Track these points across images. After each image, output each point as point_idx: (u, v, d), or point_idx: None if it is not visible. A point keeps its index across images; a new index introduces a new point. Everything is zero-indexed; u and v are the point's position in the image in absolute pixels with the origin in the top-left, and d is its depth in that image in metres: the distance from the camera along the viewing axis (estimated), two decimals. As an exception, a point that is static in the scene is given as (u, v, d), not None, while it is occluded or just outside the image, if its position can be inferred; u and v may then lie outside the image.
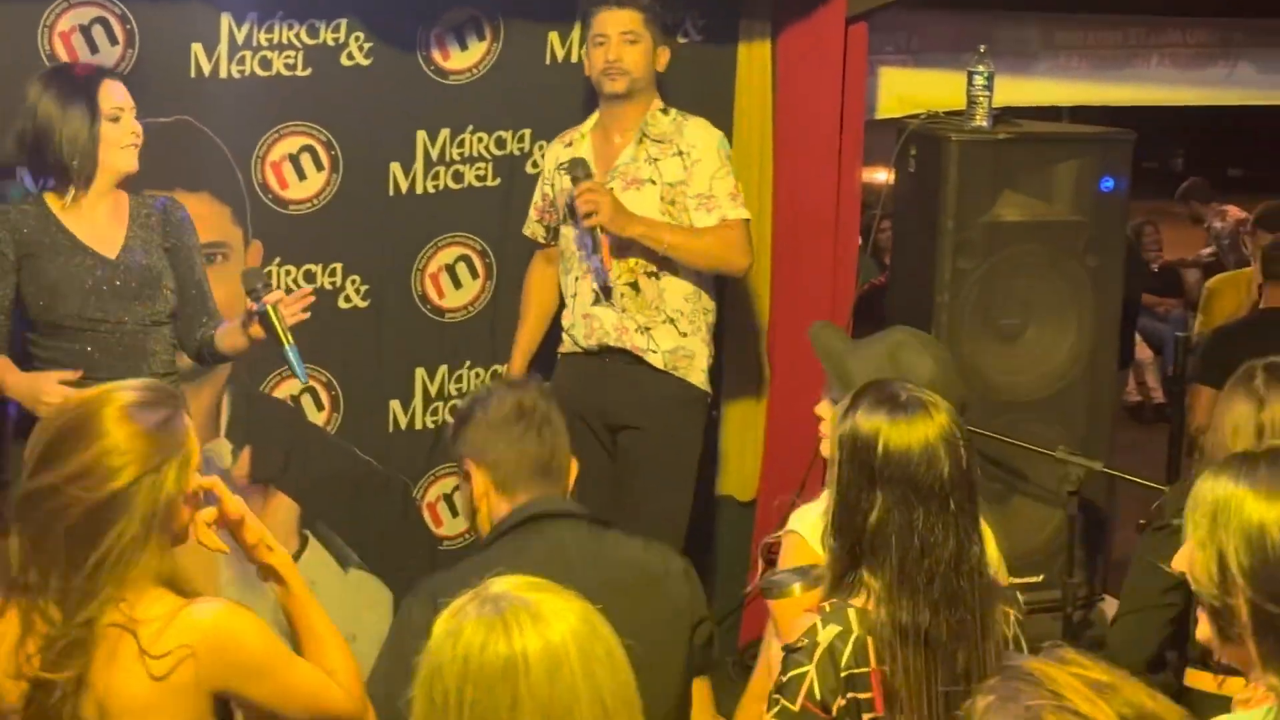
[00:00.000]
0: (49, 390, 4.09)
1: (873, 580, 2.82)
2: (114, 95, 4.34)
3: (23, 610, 2.62)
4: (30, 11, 4.76)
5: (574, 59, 5.37)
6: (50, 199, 4.33)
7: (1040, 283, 5.30)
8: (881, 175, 5.95)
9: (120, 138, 4.32)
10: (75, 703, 2.60)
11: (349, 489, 5.35)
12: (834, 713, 2.76)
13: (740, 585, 5.70)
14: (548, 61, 5.32)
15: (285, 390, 5.20)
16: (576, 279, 5.06)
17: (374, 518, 5.39)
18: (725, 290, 5.47)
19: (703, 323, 5.12)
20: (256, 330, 4.35)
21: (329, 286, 5.18)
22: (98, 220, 4.36)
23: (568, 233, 5.08)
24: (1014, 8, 5.99)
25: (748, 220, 5.10)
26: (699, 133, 5.03)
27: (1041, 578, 4.88)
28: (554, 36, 5.32)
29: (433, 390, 5.42)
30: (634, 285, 4.96)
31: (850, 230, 5.94)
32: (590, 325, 5.03)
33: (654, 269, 4.95)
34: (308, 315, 4.46)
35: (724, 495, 5.72)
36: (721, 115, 5.46)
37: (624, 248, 4.89)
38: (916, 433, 2.82)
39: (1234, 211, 12.33)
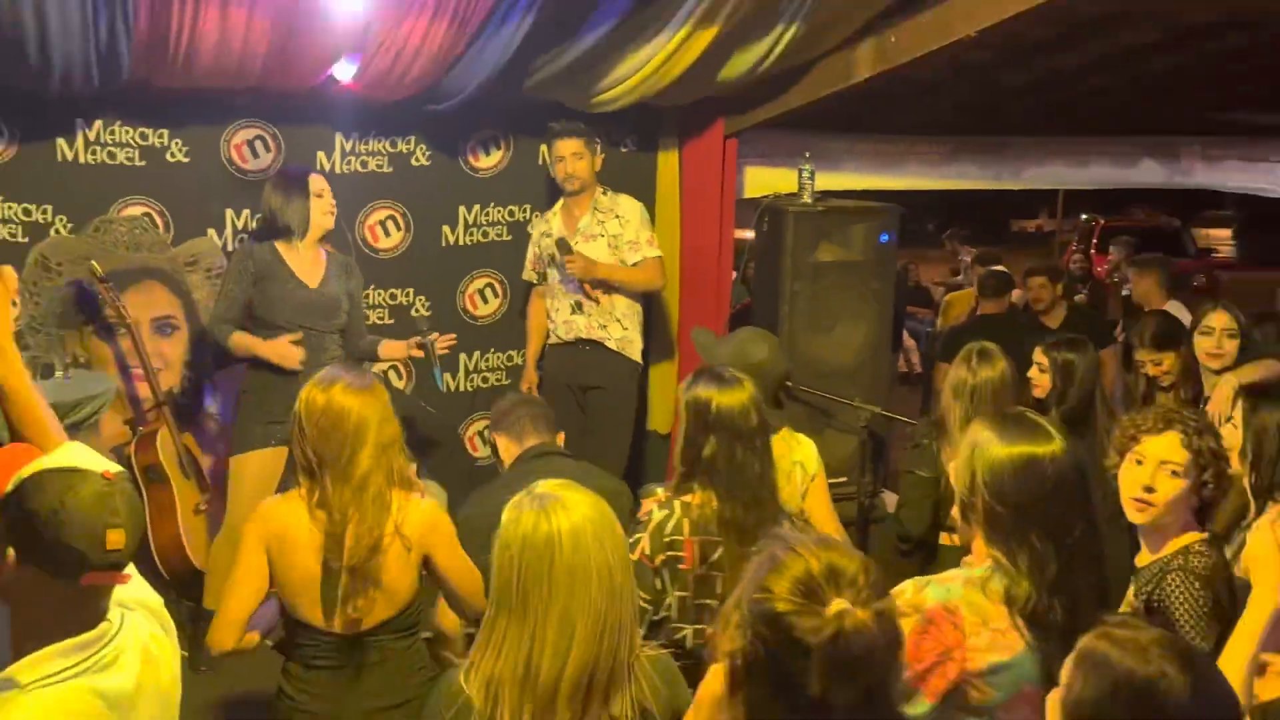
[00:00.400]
0: (288, 350, 4.35)
1: (702, 489, 2.84)
2: (317, 183, 4.52)
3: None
4: (216, 131, 4.91)
5: None
6: (279, 245, 4.46)
7: (844, 298, 5.36)
8: (748, 234, 5.95)
9: (323, 207, 4.50)
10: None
11: (420, 427, 5.30)
12: (656, 563, 2.81)
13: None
14: (540, 163, 5.46)
15: (378, 368, 5.17)
16: (558, 301, 5.16)
17: (435, 445, 5.41)
18: (653, 304, 5.54)
19: (637, 321, 5.23)
20: (416, 352, 4.64)
21: (404, 303, 5.36)
22: (306, 262, 4.50)
23: (553, 274, 5.16)
24: (827, 130, 6.04)
25: (660, 257, 5.18)
26: (628, 204, 5.16)
27: (846, 479, 4.82)
28: (544, 148, 5.42)
29: (470, 367, 5.55)
30: (594, 300, 5.07)
31: (727, 268, 6.08)
32: (569, 326, 5.15)
33: (609, 291, 5.10)
34: (448, 351, 4.78)
35: (651, 430, 5.77)
36: (649, 195, 5.62)
37: (593, 283, 5.02)
38: (736, 397, 2.87)
39: (969, 251, 12.57)
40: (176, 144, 4.91)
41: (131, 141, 4.85)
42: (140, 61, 4.33)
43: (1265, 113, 6.98)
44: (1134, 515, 2.75)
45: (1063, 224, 22.11)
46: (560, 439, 3.55)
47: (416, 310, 5.41)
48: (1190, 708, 1.60)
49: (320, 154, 5.16)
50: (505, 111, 5.28)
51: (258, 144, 5.06)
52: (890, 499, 5.25)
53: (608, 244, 5.13)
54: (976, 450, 2.33)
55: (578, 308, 5.12)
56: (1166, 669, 1.62)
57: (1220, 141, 7.04)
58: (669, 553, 2.80)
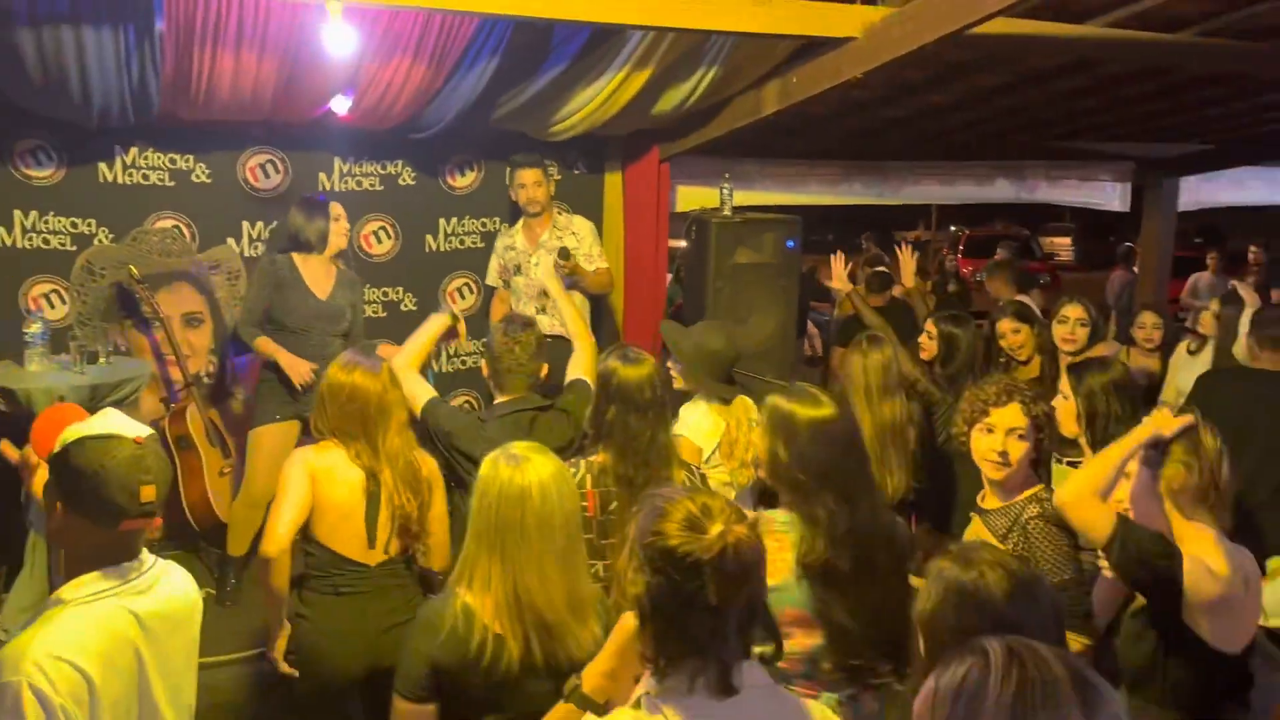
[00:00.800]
0: (303, 369, 4.27)
1: (604, 451, 2.77)
2: (336, 209, 4.48)
3: None
4: (234, 156, 4.89)
5: None
6: (297, 258, 4.40)
7: (758, 294, 5.35)
8: (680, 242, 5.93)
9: (339, 230, 4.44)
10: None
11: None
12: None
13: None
14: (506, 183, 5.25)
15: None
16: (523, 304, 4.97)
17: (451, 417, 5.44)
18: (601, 301, 5.48)
19: (588, 317, 5.11)
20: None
21: (395, 299, 5.33)
22: (319, 276, 4.42)
23: (518, 280, 5.00)
24: (743, 155, 6.04)
25: (609, 267, 5.14)
26: (582, 223, 5.03)
27: None
28: (508, 170, 5.20)
29: (450, 353, 5.52)
30: (543, 309, 4.86)
31: (663, 271, 6.07)
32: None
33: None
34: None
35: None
36: (598, 209, 5.60)
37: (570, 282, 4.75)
38: (636, 372, 2.78)
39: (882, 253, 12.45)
40: (200, 167, 4.88)
41: (162, 165, 4.82)
42: (167, 98, 4.31)
43: (1097, 141, 7.11)
44: (992, 474, 2.77)
45: (936, 234, 22.34)
46: (543, 372, 3.40)
47: (405, 305, 5.36)
48: (1008, 610, 1.60)
49: (322, 175, 5.11)
50: (478, 139, 5.25)
51: (269, 167, 5.03)
52: None
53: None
54: (776, 417, 2.33)
55: (541, 310, 4.96)
56: (987, 574, 1.64)
57: (1060, 164, 7.14)
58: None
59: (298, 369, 4.30)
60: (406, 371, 3.33)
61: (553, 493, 2.02)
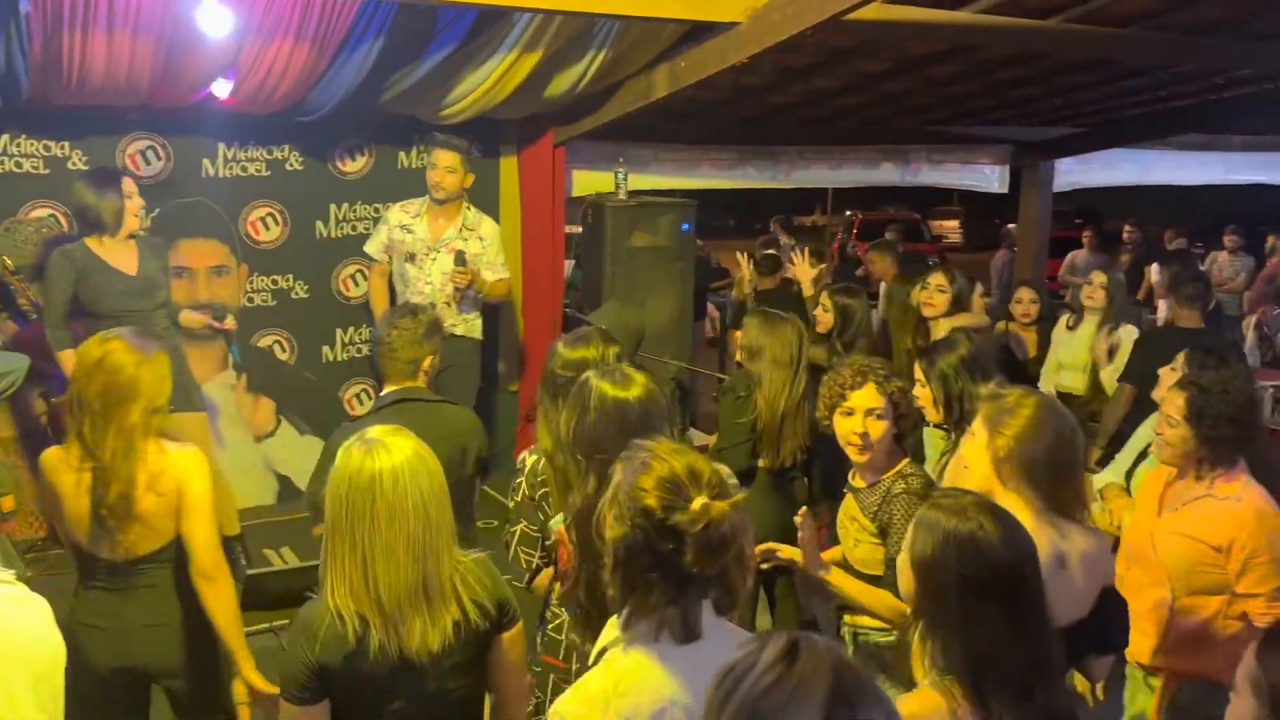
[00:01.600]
0: None
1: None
2: (129, 185, 4.16)
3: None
4: (112, 142, 4.70)
5: (413, 166, 5.25)
6: (90, 242, 4.08)
7: (654, 277, 5.43)
8: (577, 227, 5.94)
9: (133, 208, 4.12)
10: None
11: (302, 394, 5.24)
12: (536, 499, 2.70)
13: (513, 439, 5.66)
14: (399, 167, 5.29)
15: (265, 343, 5.16)
16: (411, 297, 4.72)
17: (316, 408, 5.26)
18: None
19: (477, 310, 4.84)
20: (214, 323, 4.50)
21: (285, 287, 5.16)
22: (120, 253, 4.13)
23: (411, 269, 4.75)
24: (637, 140, 6.03)
25: (509, 277, 4.92)
26: (489, 227, 4.81)
27: None
28: (402, 154, 5.29)
29: (345, 340, 5.35)
30: (448, 304, 4.69)
31: (560, 254, 5.89)
32: None
33: (461, 296, 4.73)
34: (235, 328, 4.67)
35: (503, 388, 5.63)
36: (494, 194, 5.45)
37: (443, 286, 4.67)
38: (585, 353, 2.74)
39: (789, 237, 12.63)
40: (77, 154, 4.68)
41: (36, 152, 4.62)
42: (37, 81, 4.11)
43: (976, 125, 7.29)
44: (856, 456, 2.79)
45: (832, 218, 22.77)
46: (426, 365, 3.28)
47: (296, 293, 5.21)
48: (1002, 550, 1.72)
49: (205, 160, 4.94)
50: (368, 123, 5.11)
51: (149, 153, 4.84)
52: (697, 435, 5.29)
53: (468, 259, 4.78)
54: (579, 390, 2.36)
55: (447, 303, 4.74)
56: (984, 522, 1.73)
57: (942, 148, 7.30)
58: (543, 489, 2.72)
59: None
60: None
61: (405, 477, 1.96)
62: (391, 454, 1.97)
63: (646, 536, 1.66)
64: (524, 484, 2.75)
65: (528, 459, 2.77)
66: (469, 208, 4.82)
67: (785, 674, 1.18)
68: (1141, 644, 2.71)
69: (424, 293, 4.71)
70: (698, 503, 1.65)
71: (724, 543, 1.65)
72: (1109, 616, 2.30)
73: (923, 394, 3.15)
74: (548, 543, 2.71)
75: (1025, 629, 1.71)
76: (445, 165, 4.65)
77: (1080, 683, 2.62)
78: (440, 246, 4.75)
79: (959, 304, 4.85)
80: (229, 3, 3.90)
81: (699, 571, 1.65)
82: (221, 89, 4.39)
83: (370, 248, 4.94)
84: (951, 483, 2.59)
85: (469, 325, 4.87)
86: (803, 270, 5.40)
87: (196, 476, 2.65)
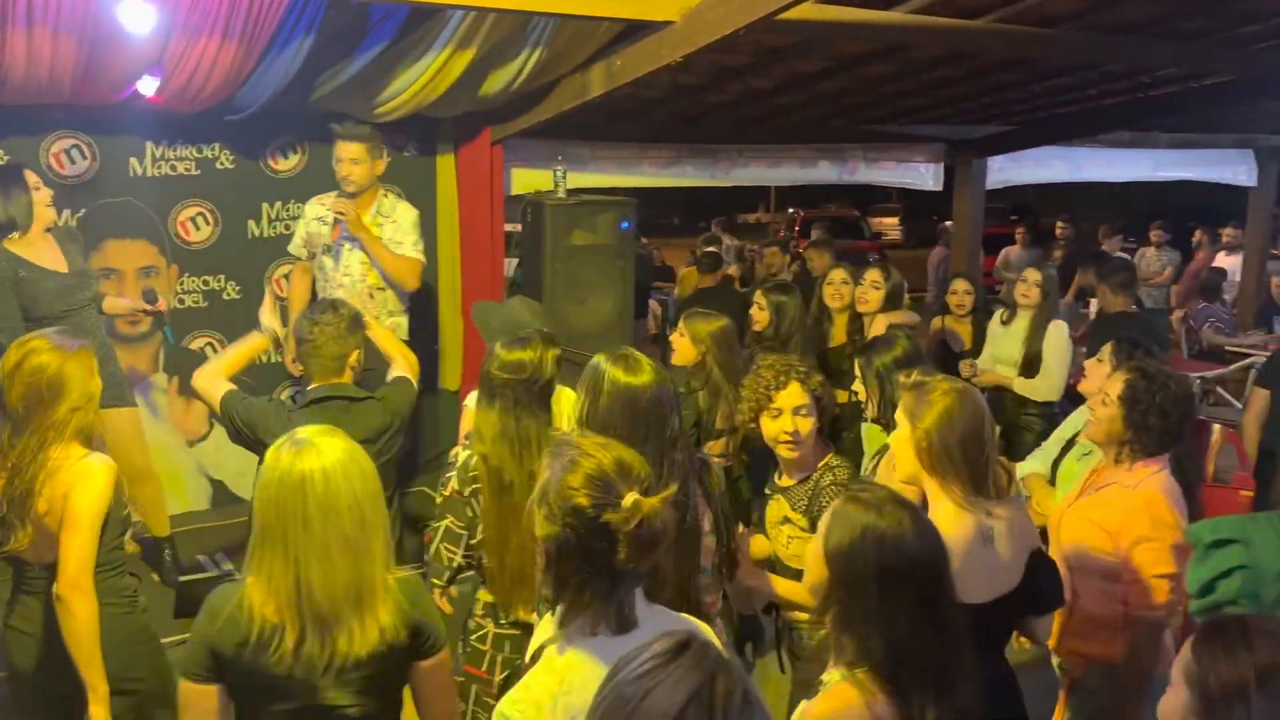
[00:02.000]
0: None
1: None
2: (33, 178, 4.04)
3: None
4: (35, 141, 4.62)
5: None
6: (8, 245, 3.93)
7: (595, 275, 5.38)
8: (516, 225, 5.84)
9: (43, 199, 4.02)
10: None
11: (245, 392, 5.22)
12: (465, 494, 2.70)
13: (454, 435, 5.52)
14: (332, 165, 5.02)
15: (197, 345, 5.10)
16: (331, 290, 4.60)
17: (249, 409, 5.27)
18: (438, 285, 5.43)
19: (401, 309, 4.72)
20: (145, 305, 4.35)
21: (216, 288, 5.09)
22: (43, 251, 4.03)
23: (328, 263, 4.63)
24: (576, 138, 6.00)
25: (422, 262, 4.68)
26: (405, 211, 4.68)
27: None
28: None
29: (280, 340, 5.39)
30: (371, 297, 4.58)
31: (500, 253, 5.82)
32: None
33: (382, 286, 4.61)
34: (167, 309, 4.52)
35: (443, 387, 5.63)
36: (431, 193, 5.42)
37: (364, 276, 4.55)
38: (523, 355, 2.71)
39: (731, 237, 12.83)
40: (-2, 153, 4.51)
41: (-48, 151, 4.44)
42: (-46, 79, 3.97)
43: (910, 124, 7.39)
44: (787, 454, 2.83)
45: (775, 216, 22.95)
46: (351, 359, 3.19)
47: (228, 294, 5.14)
48: (919, 545, 1.75)
49: (133, 160, 4.85)
50: (301, 120, 5.03)
51: (74, 152, 4.74)
52: None
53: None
54: (590, 373, 2.37)
55: (369, 296, 4.61)
56: (900, 517, 1.76)
57: (877, 147, 7.37)
58: (473, 485, 2.71)
59: None
60: (209, 379, 3.20)
61: (338, 477, 1.93)
62: (322, 454, 1.94)
63: (578, 535, 1.65)
64: (454, 479, 2.73)
65: (460, 454, 2.75)
66: (385, 195, 4.72)
67: (660, 667, 1.20)
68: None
69: (343, 284, 4.59)
70: (629, 500, 1.64)
71: (656, 538, 1.66)
72: (1041, 578, 2.37)
73: (861, 390, 3.20)
74: (472, 541, 2.69)
75: (942, 623, 1.73)
76: (350, 157, 4.52)
77: (1023, 646, 2.68)
78: (356, 242, 4.64)
79: (892, 300, 4.92)
80: (153, -1, 3.82)
81: (633, 567, 1.66)
82: (147, 86, 4.29)
83: (292, 246, 4.83)
84: (885, 476, 2.68)
85: (395, 326, 4.75)
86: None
87: (85, 489, 2.51)
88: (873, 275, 4.99)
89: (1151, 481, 2.60)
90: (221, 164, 5.04)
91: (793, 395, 2.80)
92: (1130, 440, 2.64)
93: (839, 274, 5.25)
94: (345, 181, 4.58)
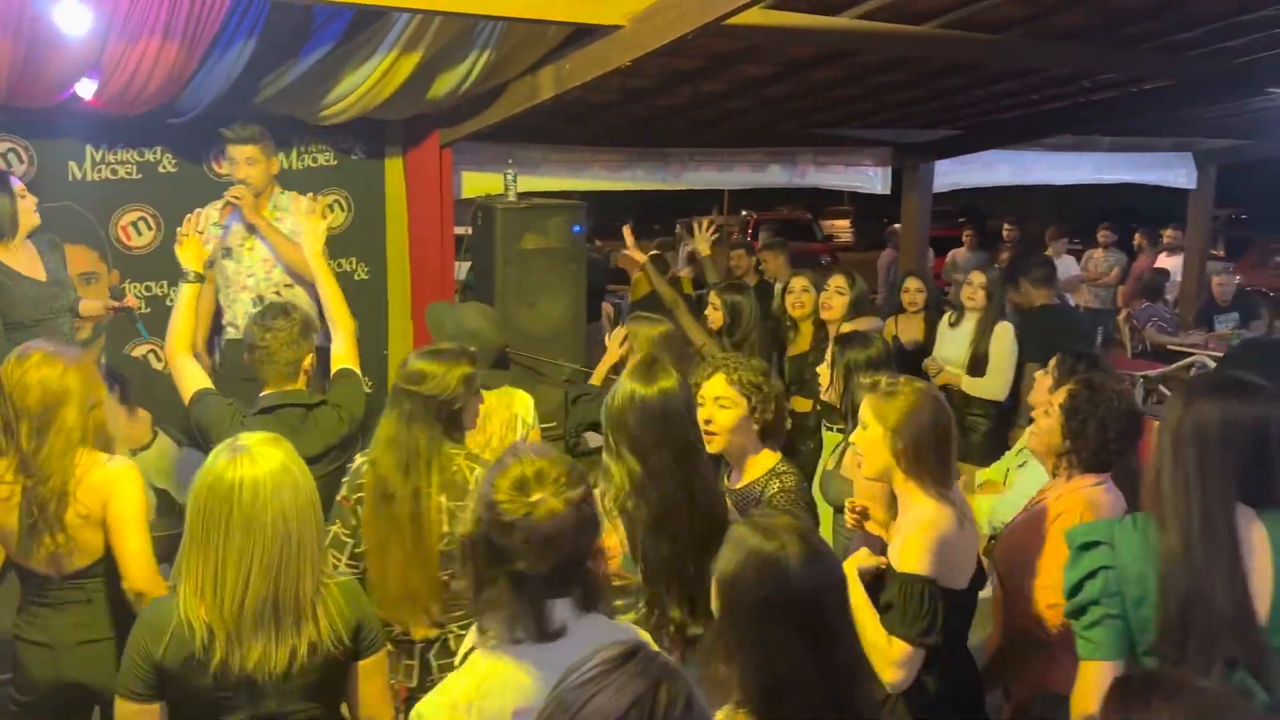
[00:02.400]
0: None
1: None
2: (17, 184, 4.10)
3: None
4: None
5: (293, 168, 5.12)
6: None
7: (546, 278, 5.36)
8: (465, 228, 5.80)
9: (28, 206, 4.07)
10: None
11: (179, 405, 4.98)
12: (352, 502, 2.72)
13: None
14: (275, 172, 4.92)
15: (139, 352, 5.01)
16: (235, 293, 4.51)
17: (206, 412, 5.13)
18: (388, 290, 5.40)
19: (312, 308, 4.38)
20: (113, 303, 4.35)
21: (159, 294, 4.99)
22: (24, 259, 4.09)
23: (229, 265, 4.51)
24: (528, 141, 6.00)
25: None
26: (306, 206, 4.53)
27: (555, 424, 4.57)
28: (281, 156, 4.94)
29: (223, 348, 4.94)
30: (278, 294, 4.42)
31: (450, 258, 5.77)
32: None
33: (289, 283, 4.48)
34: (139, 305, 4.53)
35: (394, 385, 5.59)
36: (377, 198, 5.37)
37: (268, 274, 4.46)
38: (426, 367, 2.70)
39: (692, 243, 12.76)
40: (-68, 157, 4.41)
41: (-118, 154, 4.32)
42: (-117, 81, 3.87)
43: (859, 128, 7.48)
44: (709, 446, 2.83)
45: (729, 218, 23.02)
46: (306, 363, 3.20)
47: (170, 300, 4.93)
48: (803, 574, 1.68)
49: (71, 164, 4.75)
50: (246, 123, 4.87)
51: (10, 156, 4.62)
52: (593, 438, 5.05)
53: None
54: (622, 392, 2.44)
55: (259, 301, 4.44)
56: (788, 544, 1.70)
57: (826, 150, 7.45)
58: (359, 493, 2.72)
59: None
60: (177, 357, 3.21)
61: (267, 490, 1.93)
62: (256, 464, 1.94)
63: (488, 531, 1.70)
64: (346, 485, 2.74)
65: (358, 460, 2.77)
66: (281, 192, 4.62)
67: (606, 673, 1.22)
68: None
69: (248, 286, 4.47)
70: (535, 496, 1.69)
71: (551, 540, 1.67)
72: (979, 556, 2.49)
73: (824, 372, 3.23)
74: (357, 550, 2.69)
75: (827, 661, 1.65)
76: (244, 158, 4.42)
77: None
78: (255, 233, 4.51)
79: (856, 307, 4.97)
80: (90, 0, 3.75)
81: (529, 568, 1.67)
82: (85, 89, 4.21)
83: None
84: (849, 469, 2.81)
85: None
86: (700, 239, 5.72)
87: (125, 491, 2.60)
88: (837, 281, 5.01)
89: (1074, 498, 2.55)
90: (164, 168, 4.95)
91: (715, 386, 2.85)
92: (1067, 452, 2.60)
93: (800, 282, 5.26)
94: (238, 185, 4.46)
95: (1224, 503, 1.91)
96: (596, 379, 4.38)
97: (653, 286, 5.51)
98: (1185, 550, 1.90)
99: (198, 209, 4.44)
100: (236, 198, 4.38)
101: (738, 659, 1.66)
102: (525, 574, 1.68)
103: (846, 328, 4.86)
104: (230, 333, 4.57)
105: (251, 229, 4.47)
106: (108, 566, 2.65)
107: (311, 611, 1.97)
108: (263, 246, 4.48)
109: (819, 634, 1.65)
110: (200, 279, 3.59)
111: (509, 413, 3.61)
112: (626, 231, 5.73)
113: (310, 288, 4.46)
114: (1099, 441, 2.55)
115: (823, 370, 3.40)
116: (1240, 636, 1.86)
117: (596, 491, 2.27)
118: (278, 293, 4.48)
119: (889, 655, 2.29)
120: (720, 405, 2.84)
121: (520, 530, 1.67)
